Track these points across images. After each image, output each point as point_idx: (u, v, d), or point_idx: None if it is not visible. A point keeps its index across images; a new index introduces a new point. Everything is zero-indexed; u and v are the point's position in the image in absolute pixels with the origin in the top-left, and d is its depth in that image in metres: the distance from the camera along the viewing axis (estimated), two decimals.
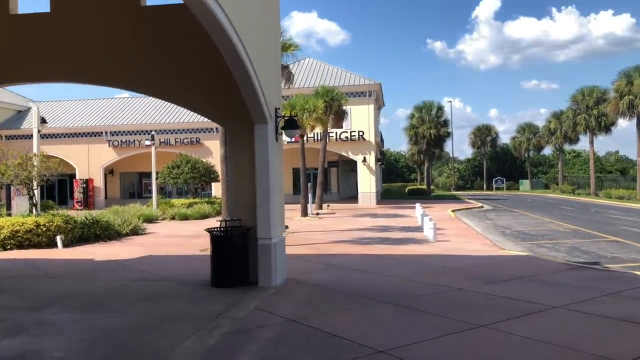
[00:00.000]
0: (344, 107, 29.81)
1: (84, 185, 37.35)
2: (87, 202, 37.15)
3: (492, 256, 12.51)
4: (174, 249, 14.57)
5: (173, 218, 26.14)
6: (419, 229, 19.38)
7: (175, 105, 39.38)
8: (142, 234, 18.98)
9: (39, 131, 18.89)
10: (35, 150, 18.70)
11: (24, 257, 13.25)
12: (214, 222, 9.30)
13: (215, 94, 9.20)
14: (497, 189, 65.97)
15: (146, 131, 35.39)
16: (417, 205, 26.26)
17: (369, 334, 6.09)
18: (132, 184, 41.25)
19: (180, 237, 17.81)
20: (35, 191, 18.37)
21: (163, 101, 40.71)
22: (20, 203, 22.34)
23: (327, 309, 7.33)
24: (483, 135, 70.30)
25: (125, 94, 46.05)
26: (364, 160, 34.70)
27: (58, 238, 15.30)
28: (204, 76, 9.18)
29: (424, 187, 51.61)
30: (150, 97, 41.14)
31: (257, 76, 7.79)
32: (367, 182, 34.94)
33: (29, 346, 5.79)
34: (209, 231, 8.97)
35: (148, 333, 6.26)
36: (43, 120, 19.74)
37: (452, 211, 29.12)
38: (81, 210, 34.61)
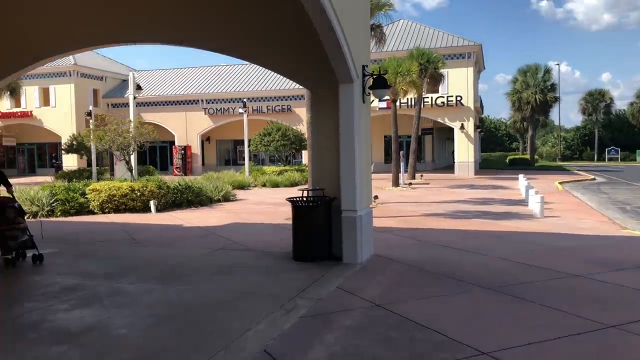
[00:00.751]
0: (441, 70, 27.98)
1: (183, 152, 38.74)
2: (186, 168, 38.56)
3: (613, 236, 10.85)
4: (261, 217, 14.27)
5: (264, 185, 26.23)
6: (523, 202, 17.70)
7: (267, 73, 39.47)
8: (232, 201, 19.02)
9: (134, 97, 19.34)
10: (131, 116, 19.23)
11: (118, 221, 13.57)
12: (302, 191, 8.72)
13: (295, 48, 8.42)
14: (610, 159, 60.21)
15: (240, 99, 35.70)
16: (520, 176, 24.25)
17: (467, 329, 5.14)
18: (227, 151, 42.24)
19: (269, 204, 17.57)
20: (132, 157, 18.96)
21: (256, 69, 40.96)
22: (122, 168, 22.99)
23: (418, 293, 6.45)
24: (595, 100, 64.14)
25: (222, 62, 46.91)
26: (462, 127, 32.69)
27: (151, 203, 15.59)
28: (285, 30, 8.42)
29: (527, 156, 48.12)
30: (244, 65, 41.59)
31: (340, 25, 6.87)
32: (464, 150, 32.98)
33: (96, 319, 5.50)
34: (290, 200, 8.34)
35: (221, 311, 5.77)
36: (138, 87, 20.21)
37: (560, 183, 26.64)
38: (180, 176, 36.02)
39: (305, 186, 9.69)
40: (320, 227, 8.11)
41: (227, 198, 19.02)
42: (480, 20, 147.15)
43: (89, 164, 31.63)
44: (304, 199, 8.37)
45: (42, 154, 42.65)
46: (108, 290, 6.55)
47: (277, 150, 30.41)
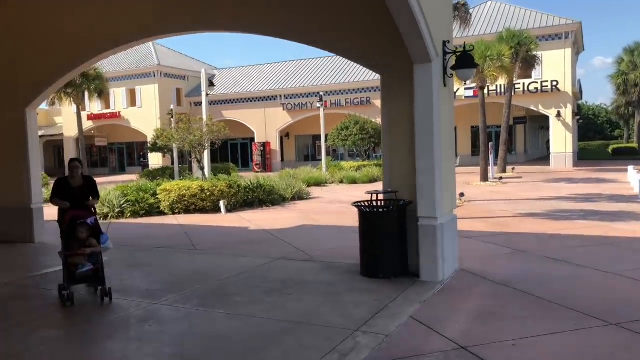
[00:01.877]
0: (535, 53, 25.34)
1: (262, 148, 38.56)
2: (265, 164, 38.35)
3: None
4: (332, 218, 13.11)
5: (341, 182, 25.11)
6: (636, 198, 15.22)
7: (346, 65, 38.26)
8: (306, 199, 18.06)
9: (207, 95, 18.89)
10: (204, 114, 18.80)
11: (185, 223, 12.98)
12: (381, 187, 7.42)
13: (359, 23, 7.13)
14: None
15: (317, 93, 34.81)
16: (630, 168, 21.31)
17: None
18: (306, 147, 41.60)
19: (344, 203, 16.37)
20: (205, 154, 18.53)
21: (333, 62, 39.90)
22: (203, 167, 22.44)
23: (519, 328, 4.97)
24: None
25: (302, 56, 46.30)
26: (558, 114, 29.66)
27: (221, 203, 14.95)
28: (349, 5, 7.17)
29: (634, 145, 43.24)
30: (322, 58, 40.68)
31: None
32: (561, 140, 29.92)
33: (112, 355, 4.57)
34: (356, 205, 7.07)
35: (262, 350, 4.64)
36: (211, 84, 19.76)
37: None
38: (260, 172, 35.81)
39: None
40: (392, 237, 6.79)
41: (300, 196, 18.08)
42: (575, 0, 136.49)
43: (173, 162, 32.13)
44: (373, 203, 7.08)
45: (131, 153, 44.30)
46: (141, 315, 5.65)
47: (355, 145, 29.17)
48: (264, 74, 41.97)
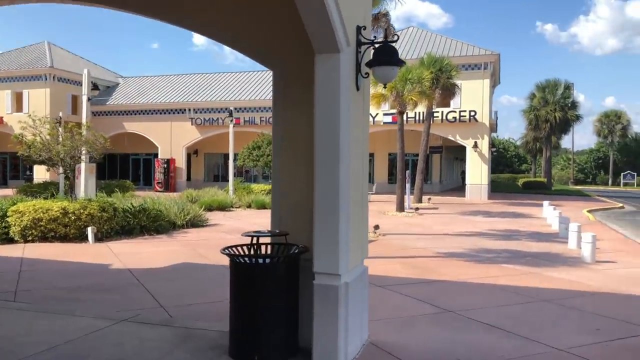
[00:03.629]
0: (454, 81, 24.66)
1: (165, 165, 35.38)
2: (168, 183, 35.16)
3: None
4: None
5: (249, 206, 22.78)
6: (556, 236, 14.29)
7: (261, 81, 36.28)
8: (201, 226, 15.60)
9: (88, 99, 16.04)
10: (83, 120, 15.92)
11: (30, 255, 10.16)
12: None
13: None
14: (626, 184, 56.68)
15: (228, 109, 32.48)
16: (546, 203, 20.83)
17: None
18: (216, 166, 38.88)
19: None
20: (82, 168, 15.63)
21: (248, 77, 37.83)
22: (87, 183, 18.90)
23: None
24: (611, 122, 60.70)
25: (211, 70, 43.88)
26: (475, 145, 29.29)
27: (89, 230, 12.18)
28: None
29: (542, 179, 44.47)
30: (235, 73, 38.49)
31: None
32: (477, 171, 29.52)
33: None
34: (227, 253, 4.89)
35: None
36: (95, 87, 16.96)
37: (588, 212, 23.12)
38: (161, 192, 32.61)
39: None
40: (277, 299, 4.67)
41: (195, 223, 15.58)
42: (484, 42, 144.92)
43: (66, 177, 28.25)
44: (253, 249, 4.95)
45: (17, 164, 39.34)
46: None
47: (267, 166, 27.01)
48: (173, 85, 38.98)
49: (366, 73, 4.96)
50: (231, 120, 26.10)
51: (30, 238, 11.92)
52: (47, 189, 26.45)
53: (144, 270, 8.97)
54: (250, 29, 5.42)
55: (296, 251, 4.79)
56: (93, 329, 5.54)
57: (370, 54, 4.99)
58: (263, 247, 5.06)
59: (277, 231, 5.08)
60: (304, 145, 4.98)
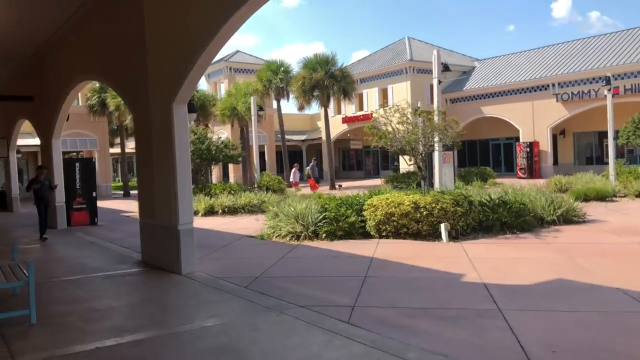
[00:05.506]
0: None
1: (528, 149, 32.08)
2: (532, 169, 31.80)
3: None
4: (618, 270, 7.73)
5: (638, 195, 17.84)
6: None
7: None
8: (576, 223, 12.46)
9: (439, 82, 14.82)
10: (435, 105, 14.82)
11: (381, 255, 9.34)
12: None
13: None
14: None
15: (603, 77, 26.97)
16: None
17: None
18: (589, 147, 33.25)
19: None
20: (435, 157, 14.59)
21: (624, 37, 30.92)
22: (443, 173, 17.96)
23: None
24: None
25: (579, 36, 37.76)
26: None
27: (442, 227, 10.82)
28: None
29: None
30: (609, 34, 32.15)
31: None
32: None
33: None
34: None
35: None
36: (445, 68, 15.59)
37: None
38: (524, 178, 29.73)
39: None
40: None
41: (568, 219, 12.51)
42: None
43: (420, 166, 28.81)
44: None
45: (387, 155, 42.54)
46: None
47: None
48: (532, 61, 35.06)
49: None
50: (609, 90, 21.22)
51: (384, 233, 11.31)
52: (410, 179, 27.23)
53: (504, 288, 6.83)
54: None
55: None
56: None
57: None
58: None
59: None
60: None
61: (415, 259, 8.91)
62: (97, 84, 27.90)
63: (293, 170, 25.49)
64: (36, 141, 17.75)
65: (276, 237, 11.79)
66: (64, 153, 32.28)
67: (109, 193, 32.90)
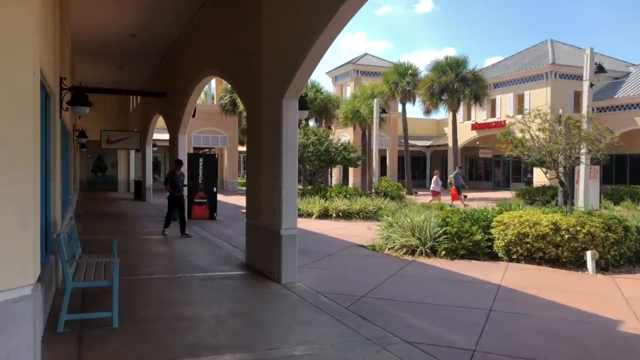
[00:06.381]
0: None
1: None
2: None
3: None
4: None
5: None
6: None
7: None
8: None
9: (591, 85, 12.74)
10: (584, 110, 12.79)
11: (510, 284, 7.91)
12: None
13: None
14: None
15: None
16: None
17: None
18: None
19: None
20: (581, 171, 12.61)
21: None
22: (588, 190, 15.25)
23: None
24: None
25: None
26: None
27: (588, 255, 9.08)
28: None
29: None
30: None
31: None
32: None
33: None
34: None
35: None
36: (600, 69, 13.40)
37: None
38: None
39: None
40: None
41: None
42: None
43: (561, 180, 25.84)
44: None
45: (519, 167, 39.36)
46: None
47: None
48: None
49: None
50: None
51: (514, 256, 9.79)
52: (545, 193, 24.58)
53: None
54: None
55: None
56: None
57: None
58: None
59: None
60: None
61: (554, 293, 7.39)
62: (229, 85, 28.88)
63: (434, 178, 22.64)
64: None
65: (389, 249, 10.78)
66: (197, 149, 34.21)
67: (235, 189, 34.14)
